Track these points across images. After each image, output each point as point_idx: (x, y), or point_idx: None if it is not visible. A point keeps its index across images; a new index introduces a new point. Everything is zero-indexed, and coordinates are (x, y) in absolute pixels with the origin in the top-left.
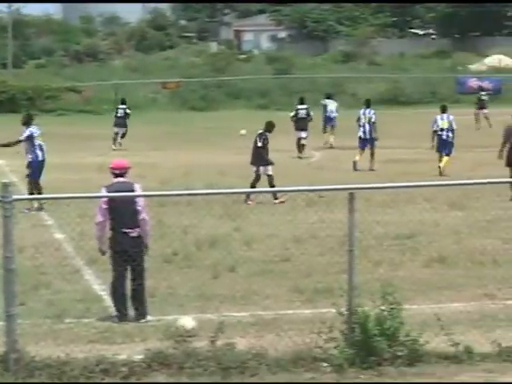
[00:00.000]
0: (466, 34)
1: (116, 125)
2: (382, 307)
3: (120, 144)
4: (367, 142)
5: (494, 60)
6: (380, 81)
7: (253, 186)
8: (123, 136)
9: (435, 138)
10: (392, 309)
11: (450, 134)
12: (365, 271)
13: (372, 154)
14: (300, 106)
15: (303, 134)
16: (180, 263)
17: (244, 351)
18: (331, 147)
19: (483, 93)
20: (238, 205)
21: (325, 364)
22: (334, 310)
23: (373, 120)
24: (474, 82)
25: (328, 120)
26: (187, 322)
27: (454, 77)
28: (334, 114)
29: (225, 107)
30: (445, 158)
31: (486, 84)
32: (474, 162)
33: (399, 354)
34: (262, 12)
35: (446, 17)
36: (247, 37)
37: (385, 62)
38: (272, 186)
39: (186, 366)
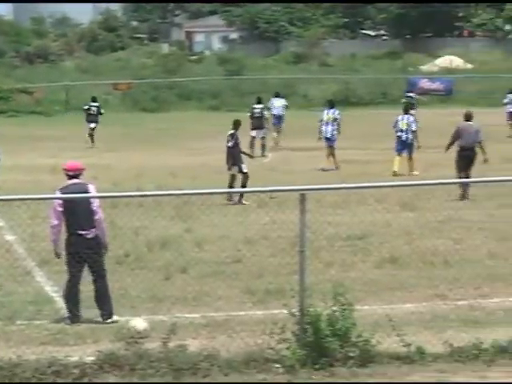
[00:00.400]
0: (417, 34)
1: (90, 121)
2: (334, 308)
3: (92, 139)
4: (330, 141)
5: (445, 61)
6: (331, 82)
7: (231, 187)
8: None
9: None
10: (344, 309)
11: (410, 136)
12: (316, 272)
13: (331, 154)
14: (256, 106)
15: (254, 133)
16: (131, 264)
17: (196, 352)
18: (276, 144)
19: (411, 94)
20: (189, 206)
21: (277, 365)
22: (285, 311)
23: (336, 120)
24: (425, 83)
25: (274, 118)
26: (139, 323)
27: (405, 78)
28: (280, 113)
29: (176, 108)
30: (397, 158)
31: (437, 85)
32: (426, 162)
33: (351, 354)
34: (213, 13)
35: (397, 18)
36: (198, 38)
37: (336, 63)
38: (244, 186)
39: (138, 367)
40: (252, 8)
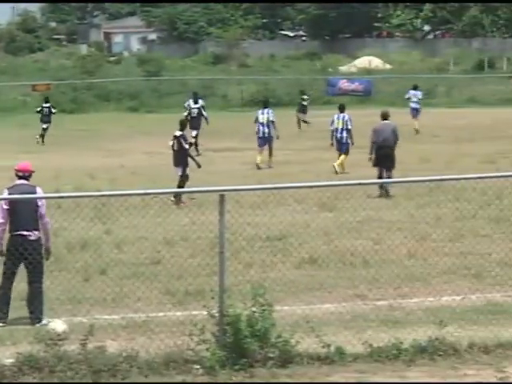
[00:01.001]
0: (336, 35)
1: (44, 121)
2: (254, 309)
3: (43, 140)
4: (266, 141)
5: (364, 61)
6: (251, 82)
7: (180, 187)
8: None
9: (333, 137)
10: (263, 310)
11: (345, 134)
12: (236, 273)
13: (270, 152)
14: (193, 105)
15: (194, 133)
16: (50, 266)
17: (115, 354)
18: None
19: (305, 97)
20: (107, 207)
21: (196, 366)
22: (205, 312)
23: (271, 119)
24: (344, 84)
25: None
26: (58, 325)
27: (325, 78)
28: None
29: (95, 109)
30: (341, 157)
31: (356, 85)
32: (346, 162)
33: (271, 355)
34: (131, 14)
35: (316, 19)
36: (117, 39)
37: (255, 64)
38: (180, 187)
39: (57, 369)
40: (171, 9)
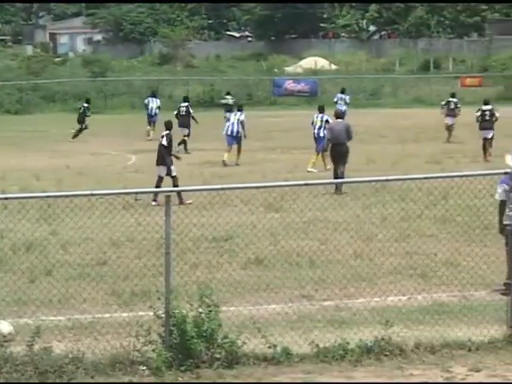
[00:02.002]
0: (281, 36)
1: None
2: (200, 309)
3: None
4: (234, 139)
5: (310, 62)
6: (196, 83)
7: (157, 187)
8: None
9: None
10: (209, 311)
11: (322, 133)
12: (182, 274)
13: (239, 150)
14: (182, 104)
15: (186, 131)
16: None
17: (61, 355)
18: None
19: (228, 97)
20: (53, 208)
21: (142, 367)
22: (151, 313)
23: (241, 119)
24: (290, 84)
25: (149, 117)
26: (4, 326)
27: (271, 79)
28: (154, 112)
29: (41, 110)
30: (314, 156)
31: (302, 86)
32: (291, 163)
33: (217, 355)
34: (77, 15)
35: (262, 19)
36: (63, 40)
37: (201, 65)
38: (176, 186)
39: (3, 370)
40: (116, 10)
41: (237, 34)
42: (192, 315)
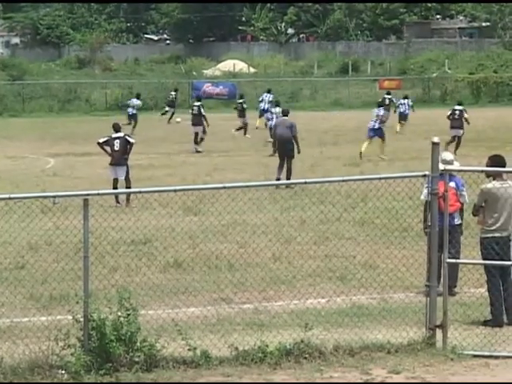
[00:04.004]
0: (200, 39)
1: None
2: (119, 313)
3: None
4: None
5: (229, 65)
6: (115, 86)
7: (114, 188)
8: None
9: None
10: (128, 314)
11: (376, 126)
12: (101, 277)
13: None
14: (195, 103)
15: (193, 129)
16: None
17: None
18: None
19: (241, 100)
20: None
21: (61, 371)
22: (70, 317)
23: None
24: (209, 87)
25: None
26: None
27: (189, 82)
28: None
29: None
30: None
31: (220, 89)
32: (210, 166)
33: (136, 359)
34: None
35: (180, 22)
36: None
37: (120, 68)
38: (128, 188)
39: None
40: (33, 13)
41: (155, 37)
42: (111, 319)
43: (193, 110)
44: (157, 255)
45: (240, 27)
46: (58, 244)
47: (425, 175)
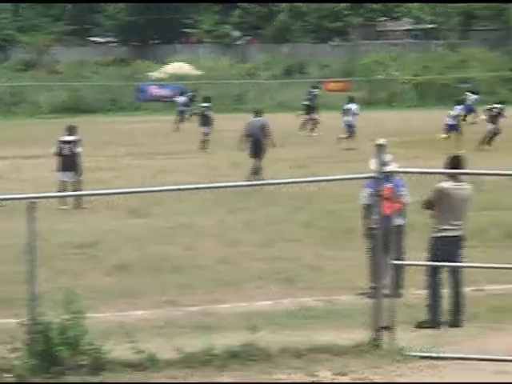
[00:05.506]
0: (145, 41)
1: None
2: (65, 316)
3: None
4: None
5: (175, 67)
6: (61, 89)
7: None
8: None
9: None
10: (75, 318)
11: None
12: (47, 280)
13: None
14: (203, 104)
15: (208, 130)
16: None
17: None
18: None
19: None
20: None
21: (7, 375)
22: (15, 320)
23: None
24: (155, 90)
25: None
26: None
27: (135, 84)
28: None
29: None
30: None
31: (166, 91)
32: (155, 168)
33: (82, 362)
34: None
35: (126, 25)
36: None
37: (65, 70)
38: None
39: None
40: None
41: (101, 40)
42: (57, 322)
43: (202, 111)
44: (102, 258)
45: (185, 30)
46: (4, 246)
47: (370, 177)
